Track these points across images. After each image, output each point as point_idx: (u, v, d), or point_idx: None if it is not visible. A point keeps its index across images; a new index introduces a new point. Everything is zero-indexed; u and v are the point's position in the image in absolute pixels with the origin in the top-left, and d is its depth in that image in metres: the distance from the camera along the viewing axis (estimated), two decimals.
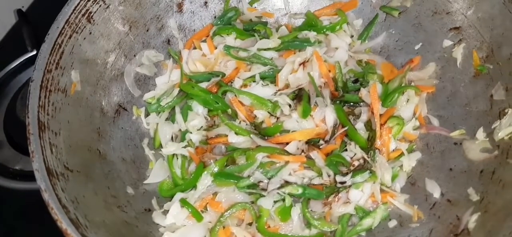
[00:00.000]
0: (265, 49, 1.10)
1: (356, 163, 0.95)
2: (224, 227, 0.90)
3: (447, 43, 1.04)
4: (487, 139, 0.91)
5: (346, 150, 0.97)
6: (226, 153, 0.99)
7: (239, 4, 1.20)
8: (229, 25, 1.16)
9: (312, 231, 0.90)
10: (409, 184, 0.95)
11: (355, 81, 1.08)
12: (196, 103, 1.06)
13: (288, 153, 0.96)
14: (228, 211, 0.90)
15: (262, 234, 0.89)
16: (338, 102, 1.03)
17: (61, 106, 0.90)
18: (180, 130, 1.05)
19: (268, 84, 1.07)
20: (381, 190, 0.92)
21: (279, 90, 1.05)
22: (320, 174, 0.94)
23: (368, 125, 0.99)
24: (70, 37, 0.95)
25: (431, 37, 1.07)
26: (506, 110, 0.90)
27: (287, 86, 1.06)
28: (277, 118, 1.03)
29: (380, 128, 0.95)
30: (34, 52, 1.36)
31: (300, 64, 1.07)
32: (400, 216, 0.91)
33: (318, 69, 1.05)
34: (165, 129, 1.04)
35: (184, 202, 0.91)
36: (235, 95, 1.03)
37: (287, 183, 0.93)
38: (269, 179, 0.93)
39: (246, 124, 1.02)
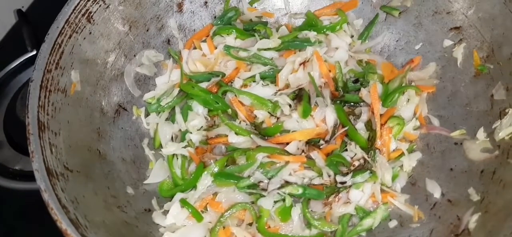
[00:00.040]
0: (265, 49, 1.10)
1: (356, 163, 0.94)
2: (224, 227, 0.90)
3: (447, 43, 1.04)
4: (488, 139, 0.90)
5: (346, 150, 0.97)
6: (226, 153, 0.99)
7: (239, 4, 1.20)
8: (229, 25, 1.15)
9: (313, 231, 0.90)
10: (410, 184, 0.95)
11: (356, 81, 1.08)
12: (196, 103, 1.06)
13: (288, 153, 0.96)
14: (228, 211, 0.90)
15: (262, 234, 0.89)
16: (338, 102, 1.03)
17: (61, 106, 0.90)
18: (180, 130, 1.05)
19: (268, 84, 1.07)
20: (382, 190, 0.92)
21: (279, 90, 1.05)
22: (320, 174, 0.94)
23: (369, 125, 0.99)
24: (70, 37, 0.95)
25: (432, 37, 1.07)
26: (506, 110, 0.90)
27: (287, 86, 1.06)
28: (277, 118, 1.03)
29: (381, 128, 0.95)
30: (34, 52, 1.36)
31: (300, 64, 1.07)
32: (400, 216, 0.90)
33: (318, 69, 1.05)
34: (165, 129, 1.04)
35: (184, 202, 0.91)
36: (235, 95, 1.03)
37: (287, 183, 0.93)
38: (269, 179, 0.93)
39: (246, 124, 1.02)
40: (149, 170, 1.01)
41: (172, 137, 1.04)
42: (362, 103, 1.03)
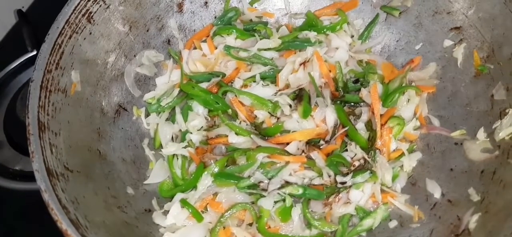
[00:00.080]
0: (265, 49, 1.10)
1: (356, 163, 0.94)
2: (224, 228, 0.90)
3: (447, 43, 1.04)
4: (488, 139, 0.90)
5: (346, 150, 0.97)
6: (226, 154, 0.99)
7: (239, 4, 1.20)
8: (230, 25, 1.15)
9: (313, 231, 0.90)
10: (410, 185, 0.95)
11: (356, 81, 1.08)
12: (196, 103, 1.06)
13: (289, 154, 0.96)
14: (229, 212, 0.90)
15: (262, 234, 0.89)
16: (338, 102, 1.03)
17: (61, 106, 0.90)
18: (180, 130, 1.05)
19: (268, 84, 1.07)
20: (382, 191, 0.92)
21: (279, 90, 1.05)
22: (320, 175, 0.94)
23: (369, 125, 0.99)
24: (70, 37, 0.95)
25: (432, 37, 1.07)
26: (507, 110, 0.89)
27: (287, 86, 1.06)
28: (278, 118, 1.03)
29: (381, 128, 0.95)
30: (34, 52, 1.36)
31: (300, 64, 1.07)
32: (400, 216, 0.90)
33: (318, 69, 1.05)
34: (165, 130, 1.04)
35: (184, 203, 0.91)
36: (236, 95, 1.03)
37: (287, 183, 0.93)
38: (270, 179, 0.93)
39: (247, 125, 1.02)
40: (149, 170, 1.01)
41: (172, 137, 1.04)
42: (362, 103, 1.03)
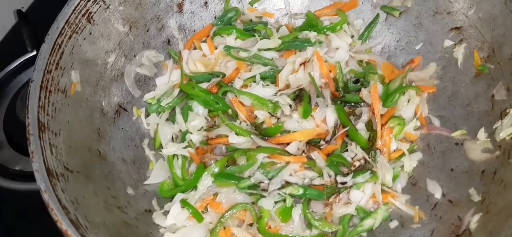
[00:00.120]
0: (265, 49, 1.10)
1: (357, 164, 0.94)
2: (224, 228, 0.90)
3: (448, 43, 1.04)
4: (489, 139, 0.90)
5: (347, 150, 0.97)
6: (226, 154, 0.99)
7: (239, 4, 1.20)
8: (230, 25, 1.15)
9: (313, 231, 0.90)
10: (410, 185, 0.95)
11: (356, 81, 1.08)
12: (196, 104, 1.05)
13: (289, 154, 0.96)
14: (229, 212, 0.90)
15: (263, 234, 0.88)
16: (338, 102, 1.03)
17: (61, 106, 0.90)
18: (180, 130, 1.05)
19: (268, 85, 1.07)
20: (382, 191, 0.92)
21: (279, 90, 1.05)
22: (321, 175, 0.94)
23: (369, 125, 0.99)
24: (70, 38, 0.95)
25: (432, 37, 1.07)
26: (507, 110, 0.89)
27: (287, 86, 1.06)
28: (278, 118, 1.03)
29: (381, 129, 0.95)
30: (34, 53, 1.36)
31: (300, 64, 1.07)
32: (401, 216, 0.90)
33: (318, 69, 1.05)
34: (165, 130, 1.04)
35: (184, 203, 0.91)
36: (236, 96, 1.03)
37: (288, 183, 0.92)
38: (270, 179, 0.93)
39: (247, 125, 1.02)
40: (149, 170, 1.01)
41: (172, 138, 1.04)
42: (362, 104, 1.03)
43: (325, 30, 1.13)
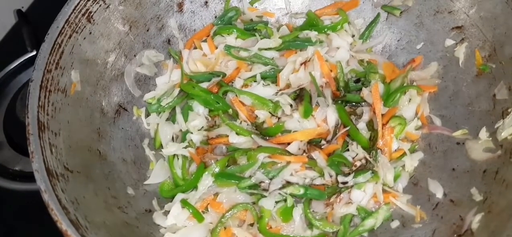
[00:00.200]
0: (266, 49, 1.10)
1: (358, 163, 0.94)
2: (225, 228, 0.89)
3: (449, 42, 1.04)
4: (490, 138, 0.90)
5: (348, 150, 0.97)
6: (227, 154, 0.99)
7: (239, 3, 1.19)
8: (230, 25, 1.15)
9: (314, 231, 0.89)
10: (412, 184, 0.95)
11: (357, 80, 1.08)
12: (196, 103, 1.05)
13: (290, 154, 0.95)
14: (229, 212, 0.89)
15: (263, 234, 0.88)
16: (339, 102, 1.03)
17: (61, 106, 0.90)
18: (180, 130, 1.04)
19: (269, 84, 1.06)
20: (383, 191, 0.92)
21: (280, 90, 1.05)
22: (322, 175, 0.94)
23: (370, 125, 0.98)
24: (70, 37, 0.95)
25: (433, 36, 1.07)
26: (509, 110, 0.89)
27: (288, 86, 1.06)
28: (278, 118, 1.02)
29: (382, 128, 0.95)
30: (34, 52, 1.35)
31: (301, 64, 1.07)
32: (402, 216, 0.90)
33: (319, 68, 1.05)
34: (165, 130, 1.04)
35: (185, 203, 0.90)
36: (236, 95, 1.03)
37: (288, 183, 0.92)
38: (271, 179, 0.93)
39: (247, 124, 1.02)
40: (149, 170, 1.01)
41: (172, 138, 1.04)
42: (363, 103, 1.02)
43: (325, 30, 1.13)
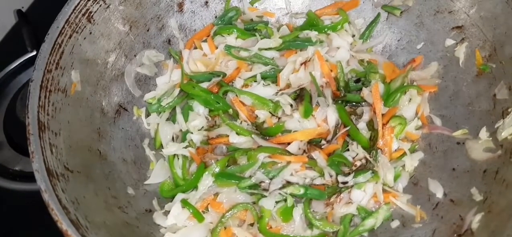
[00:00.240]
0: (266, 49, 1.10)
1: (358, 163, 0.94)
2: (225, 228, 0.89)
3: (449, 42, 1.04)
4: (490, 138, 0.90)
5: (348, 150, 0.97)
6: (227, 154, 0.99)
7: (240, 3, 1.19)
8: (230, 25, 1.15)
9: (314, 231, 0.89)
10: (412, 184, 0.95)
11: (357, 80, 1.08)
12: (197, 103, 1.05)
13: (290, 153, 0.95)
14: (230, 212, 0.89)
15: (263, 234, 0.88)
16: (340, 102, 1.03)
17: (61, 106, 0.90)
18: (181, 130, 1.04)
19: (269, 84, 1.06)
20: (384, 190, 0.92)
21: (280, 90, 1.05)
22: (322, 174, 0.94)
23: (370, 125, 0.98)
24: (70, 37, 0.95)
25: (433, 36, 1.07)
26: (509, 110, 0.89)
27: (288, 86, 1.06)
28: (279, 118, 1.02)
29: (382, 128, 0.95)
30: (34, 53, 1.35)
31: (301, 64, 1.07)
32: (402, 216, 0.90)
33: (319, 68, 1.05)
34: (166, 130, 1.04)
35: (185, 203, 0.90)
36: (236, 95, 1.03)
37: (288, 183, 0.92)
38: (271, 179, 0.93)
39: (247, 124, 1.02)
40: (150, 170, 1.01)
41: (173, 137, 1.04)
42: (363, 103, 1.02)
43: (326, 30, 1.13)
